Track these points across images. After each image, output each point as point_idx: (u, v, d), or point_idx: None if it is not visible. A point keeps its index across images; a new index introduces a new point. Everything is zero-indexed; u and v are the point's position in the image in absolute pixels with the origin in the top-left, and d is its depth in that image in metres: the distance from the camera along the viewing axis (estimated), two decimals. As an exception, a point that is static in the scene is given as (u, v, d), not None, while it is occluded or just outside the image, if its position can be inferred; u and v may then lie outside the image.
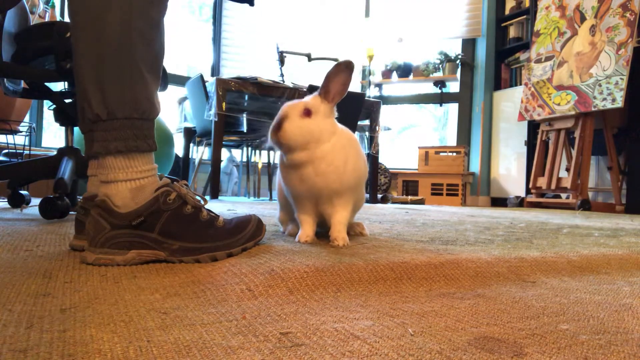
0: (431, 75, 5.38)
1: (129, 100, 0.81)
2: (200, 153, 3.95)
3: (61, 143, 1.86)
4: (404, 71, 5.50)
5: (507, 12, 5.19)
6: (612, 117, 3.81)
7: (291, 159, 0.96)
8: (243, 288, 0.68)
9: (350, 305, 0.62)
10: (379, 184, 4.87)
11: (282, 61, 3.97)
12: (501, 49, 5.17)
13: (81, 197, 1.02)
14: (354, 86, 5.47)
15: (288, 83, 3.67)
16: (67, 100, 1.75)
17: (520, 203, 4.32)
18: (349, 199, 1.02)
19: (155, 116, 0.86)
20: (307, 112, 0.96)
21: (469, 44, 5.38)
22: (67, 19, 4.17)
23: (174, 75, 4.55)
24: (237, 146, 4.59)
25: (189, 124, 3.93)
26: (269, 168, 3.90)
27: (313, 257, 0.83)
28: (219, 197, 3.53)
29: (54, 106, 1.76)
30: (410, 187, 5.17)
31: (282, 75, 3.94)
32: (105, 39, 0.80)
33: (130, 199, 0.82)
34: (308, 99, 0.99)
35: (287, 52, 4.03)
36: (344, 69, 0.96)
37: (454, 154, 4.98)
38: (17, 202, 1.99)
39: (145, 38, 0.83)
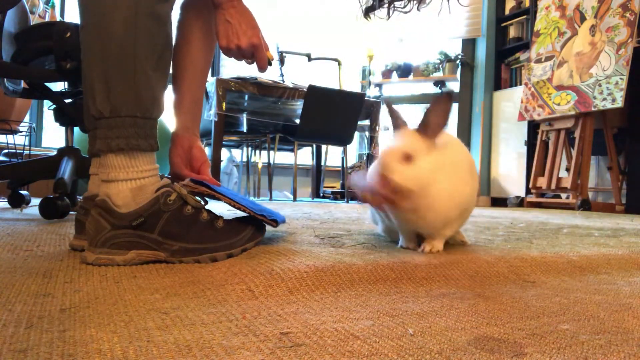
0: (431, 75, 5.38)
1: (133, 99, 0.81)
2: (200, 153, 3.94)
3: (61, 143, 1.86)
4: (404, 71, 5.49)
5: (507, 12, 5.19)
6: (612, 117, 3.81)
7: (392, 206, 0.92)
8: (243, 288, 0.68)
9: (350, 305, 0.62)
10: (379, 184, 4.86)
11: (282, 61, 3.97)
12: (501, 49, 5.17)
13: (81, 197, 1.02)
14: (354, 86, 5.48)
15: (288, 83, 3.67)
16: (67, 100, 1.75)
17: (520, 203, 4.32)
18: (457, 223, 1.00)
19: (158, 116, 0.86)
20: (407, 157, 0.88)
21: (469, 44, 5.38)
22: (67, 19, 4.17)
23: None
24: (237, 146, 4.59)
25: (189, 124, 3.92)
26: (269, 168, 3.90)
27: (313, 257, 0.83)
28: (219, 197, 3.52)
29: (54, 106, 1.76)
30: (410, 187, 5.16)
31: (282, 75, 3.94)
32: (110, 36, 0.80)
33: (131, 199, 0.82)
34: (404, 138, 0.91)
35: (287, 52, 4.03)
36: (444, 100, 0.90)
37: (454, 154, 4.97)
38: (17, 202, 1.99)
39: (151, 36, 0.83)
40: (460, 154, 1.00)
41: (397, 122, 0.96)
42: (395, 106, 0.97)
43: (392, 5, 1.29)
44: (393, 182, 0.86)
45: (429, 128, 0.90)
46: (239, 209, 0.91)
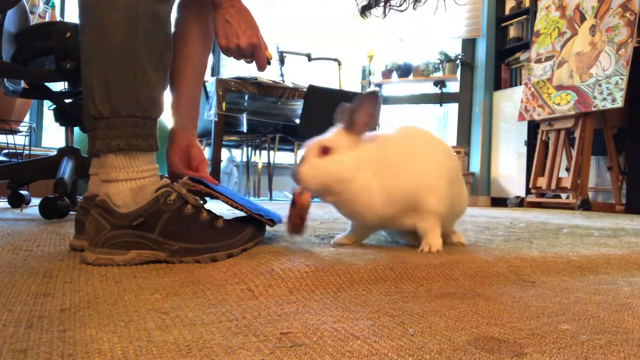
0: (431, 75, 5.38)
1: (132, 99, 0.81)
2: (200, 153, 3.93)
3: (61, 143, 1.86)
4: (404, 71, 5.49)
5: (507, 12, 5.19)
6: (612, 117, 3.81)
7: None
8: (243, 288, 0.68)
9: (350, 305, 0.62)
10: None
11: (282, 61, 3.97)
12: (501, 49, 5.17)
13: (81, 197, 1.02)
14: (354, 86, 5.48)
15: (288, 83, 3.67)
16: (67, 100, 1.75)
17: (520, 203, 4.32)
18: (424, 211, 0.95)
19: (158, 116, 0.86)
20: (325, 150, 0.91)
21: (469, 44, 5.37)
22: (67, 19, 4.17)
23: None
24: (237, 146, 4.58)
25: (189, 124, 3.92)
26: (269, 168, 3.90)
27: (313, 257, 0.83)
28: (219, 197, 3.52)
29: (54, 106, 1.76)
30: (410, 187, 5.16)
31: (282, 75, 3.94)
32: (110, 36, 0.80)
33: (131, 199, 0.82)
34: (329, 134, 0.94)
35: (287, 52, 4.03)
36: (369, 99, 0.91)
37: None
38: (17, 202, 1.99)
39: (151, 36, 0.83)
40: (411, 146, 0.97)
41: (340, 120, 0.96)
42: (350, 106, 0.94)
43: (388, 4, 1.28)
44: (299, 174, 0.90)
45: (355, 126, 0.92)
46: (236, 208, 0.91)
